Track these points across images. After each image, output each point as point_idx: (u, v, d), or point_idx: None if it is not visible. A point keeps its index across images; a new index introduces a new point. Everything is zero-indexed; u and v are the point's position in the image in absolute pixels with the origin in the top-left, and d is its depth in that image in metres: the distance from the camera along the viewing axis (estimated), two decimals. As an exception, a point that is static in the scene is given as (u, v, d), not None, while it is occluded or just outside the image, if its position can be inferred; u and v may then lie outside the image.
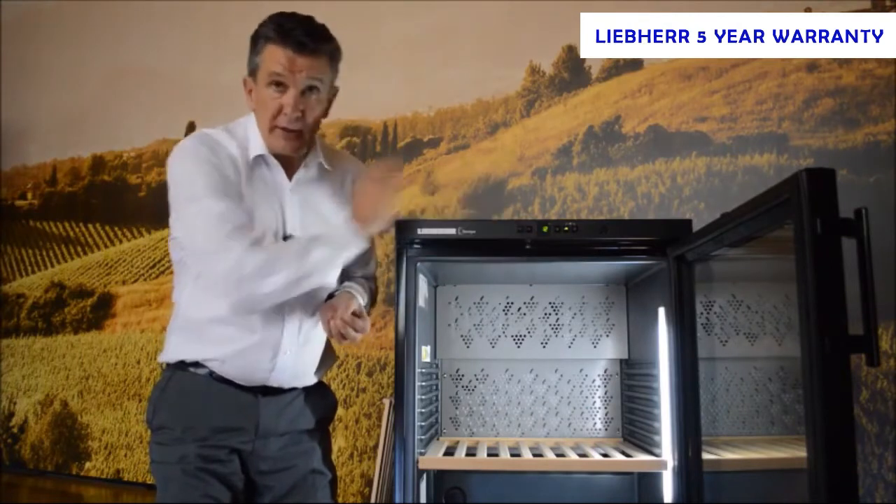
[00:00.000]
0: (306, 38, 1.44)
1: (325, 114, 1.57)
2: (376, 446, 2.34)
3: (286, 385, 1.56)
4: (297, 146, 1.52)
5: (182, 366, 1.54)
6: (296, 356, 1.56)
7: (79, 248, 4.06)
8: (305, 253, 1.41)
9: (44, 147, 4.27)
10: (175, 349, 1.55)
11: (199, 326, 1.52)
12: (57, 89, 4.20)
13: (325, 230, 1.49)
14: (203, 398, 1.51)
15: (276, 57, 1.44)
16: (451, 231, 1.82)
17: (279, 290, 1.41)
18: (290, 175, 1.55)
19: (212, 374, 1.51)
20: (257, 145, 1.52)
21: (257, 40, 1.49)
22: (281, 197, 1.54)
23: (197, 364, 1.52)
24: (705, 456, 1.67)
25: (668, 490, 1.79)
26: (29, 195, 4.31)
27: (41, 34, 4.29)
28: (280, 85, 1.46)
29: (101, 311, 3.85)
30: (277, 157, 1.54)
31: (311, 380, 1.62)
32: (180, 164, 1.47)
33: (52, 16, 4.27)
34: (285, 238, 1.52)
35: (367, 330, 1.52)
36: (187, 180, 1.45)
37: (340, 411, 3.10)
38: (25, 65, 4.29)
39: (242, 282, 1.38)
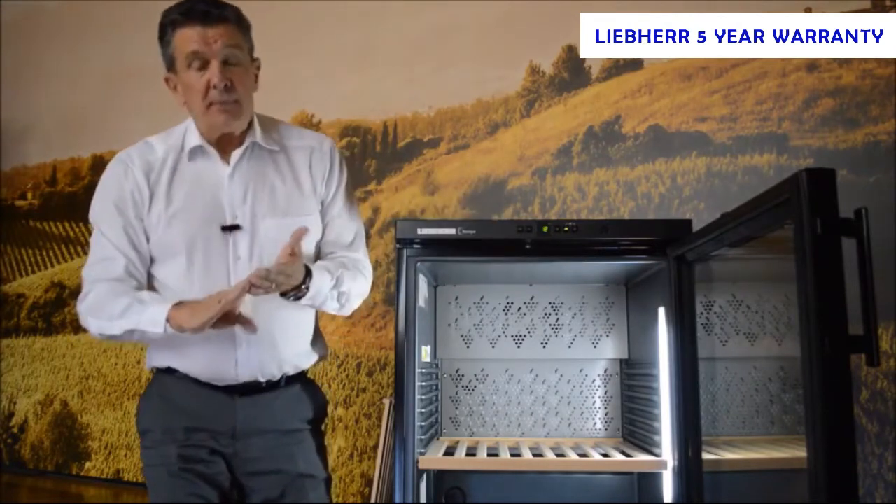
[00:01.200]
0: (209, 7, 1.45)
1: (254, 86, 1.55)
2: (376, 446, 2.34)
3: (261, 377, 1.53)
4: (236, 118, 1.49)
5: (164, 369, 1.55)
6: (262, 346, 1.51)
7: (79, 248, 4.06)
8: (122, 314, 1.42)
9: (44, 147, 4.27)
10: (149, 357, 1.58)
11: None
12: (57, 89, 4.20)
13: (275, 206, 1.52)
14: (178, 399, 1.52)
15: (187, 37, 1.46)
16: (451, 231, 1.82)
17: (96, 332, 1.48)
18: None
19: (189, 375, 1.52)
20: (193, 138, 1.53)
21: (164, 31, 1.50)
22: (217, 186, 1.52)
23: (171, 368, 1.53)
24: (705, 456, 1.67)
25: (668, 490, 1.79)
26: (29, 195, 4.31)
27: (41, 34, 4.28)
28: (200, 63, 1.45)
29: (101, 311, 3.84)
30: (219, 145, 1.53)
31: (294, 367, 1.58)
32: (98, 185, 1.56)
33: (52, 16, 4.27)
34: (228, 227, 1.50)
35: (284, 272, 1.40)
36: (94, 202, 1.55)
37: (340, 411, 3.10)
38: (25, 65, 4.29)
39: (80, 312, 1.50)
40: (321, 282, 1.49)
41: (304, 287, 1.46)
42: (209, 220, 1.50)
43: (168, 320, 1.39)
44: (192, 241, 1.49)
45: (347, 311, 1.61)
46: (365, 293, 1.64)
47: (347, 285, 1.56)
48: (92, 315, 1.47)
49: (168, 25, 1.49)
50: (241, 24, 1.50)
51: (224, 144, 1.54)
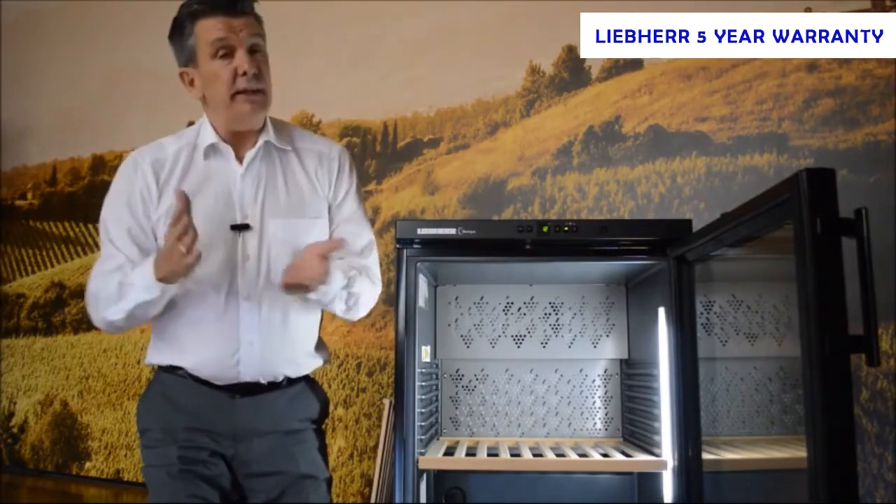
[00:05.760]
0: None
1: None
2: (376, 446, 2.35)
3: (263, 379, 1.52)
4: (262, 108, 1.51)
5: (165, 368, 1.55)
6: (265, 347, 1.51)
7: (79, 248, 4.06)
8: (121, 294, 1.43)
9: (44, 147, 4.27)
10: (150, 353, 1.58)
11: (163, 327, 1.54)
12: (57, 89, 4.20)
13: (284, 205, 1.53)
14: (179, 399, 1.52)
15: (211, 26, 1.45)
16: (451, 231, 1.82)
17: (100, 323, 1.49)
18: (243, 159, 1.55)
19: (190, 374, 1.51)
20: (208, 135, 1.53)
21: (183, 24, 1.48)
22: (230, 185, 1.53)
23: (172, 366, 1.53)
24: (705, 456, 1.67)
25: (668, 490, 1.79)
26: (29, 195, 4.31)
27: (41, 34, 4.28)
28: (226, 52, 1.45)
29: (101, 311, 3.84)
30: (233, 144, 1.54)
31: (295, 370, 1.57)
32: (111, 184, 1.57)
33: (52, 16, 4.27)
34: (238, 226, 1.50)
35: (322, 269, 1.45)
36: (105, 201, 1.56)
37: (340, 411, 3.09)
38: (25, 65, 4.29)
39: (87, 304, 1.51)
40: (335, 280, 1.49)
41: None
42: (220, 219, 1.50)
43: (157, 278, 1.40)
44: (202, 239, 1.47)
45: (353, 316, 1.60)
46: (372, 301, 1.64)
47: (358, 288, 1.56)
48: (92, 307, 1.49)
49: (187, 18, 1.47)
50: (258, 18, 1.51)
51: (238, 144, 1.54)
